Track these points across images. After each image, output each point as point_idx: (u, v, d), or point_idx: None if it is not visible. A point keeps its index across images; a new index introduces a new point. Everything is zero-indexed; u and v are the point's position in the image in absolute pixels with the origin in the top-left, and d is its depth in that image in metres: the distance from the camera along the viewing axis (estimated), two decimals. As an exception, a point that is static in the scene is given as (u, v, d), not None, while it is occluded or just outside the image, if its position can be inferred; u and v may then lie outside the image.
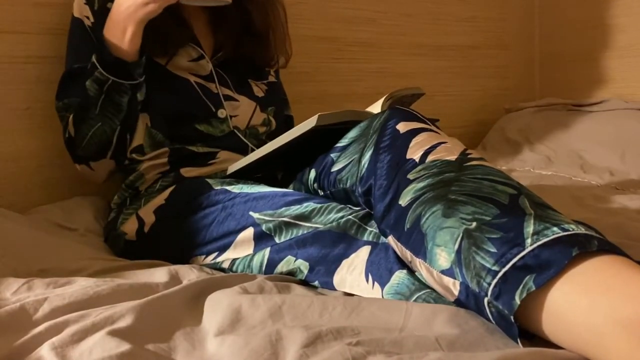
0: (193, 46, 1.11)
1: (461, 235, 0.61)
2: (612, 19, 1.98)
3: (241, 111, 1.13)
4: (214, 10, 1.14)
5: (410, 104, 1.11)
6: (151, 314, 0.64)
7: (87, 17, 1.09)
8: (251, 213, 0.87)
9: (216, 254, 0.90)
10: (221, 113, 1.10)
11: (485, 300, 0.58)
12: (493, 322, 0.59)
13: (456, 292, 0.61)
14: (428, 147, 0.73)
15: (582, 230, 0.58)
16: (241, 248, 0.87)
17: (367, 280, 0.73)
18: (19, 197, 1.18)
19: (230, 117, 1.11)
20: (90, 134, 1.02)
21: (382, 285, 0.71)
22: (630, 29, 1.94)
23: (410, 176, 0.70)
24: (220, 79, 1.13)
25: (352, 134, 0.86)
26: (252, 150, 1.09)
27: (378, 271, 0.72)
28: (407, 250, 0.68)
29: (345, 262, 0.76)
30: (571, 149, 1.74)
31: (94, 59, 0.99)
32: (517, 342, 0.56)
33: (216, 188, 0.95)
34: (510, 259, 0.56)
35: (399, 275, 0.70)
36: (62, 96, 1.07)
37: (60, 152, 1.12)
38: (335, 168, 0.86)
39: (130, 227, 1.01)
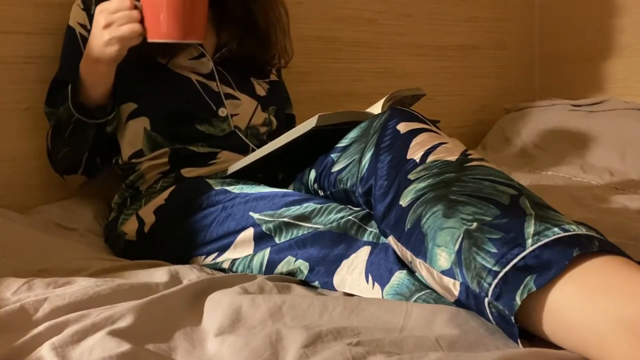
0: (194, 45, 1.11)
1: (462, 235, 0.61)
2: (612, 19, 1.98)
3: (242, 110, 1.13)
4: (217, 9, 1.14)
5: (411, 104, 1.11)
6: (151, 314, 0.64)
7: (83, 25, 1.09)
8: (251, 213, 0.87)
9: (216, 254, 0.90)
10: (222, 112, 1.10)
11: (486, 300, 0.58)
12: (493, 322, 0.59)
13: (456, 293, 0.61)
14: (428, 147, 0.73)
15: (582, 230, 0.58)
16: (241, 248, 0.87)
17: (367, 281, 0.73)
18: (19, 197, 1.18)
19: (231, 115, 1.11)
20: (61, 155, 1.08)
21: (382, 286, 0.71)
22: (630, 29, 1.94)
23: (411, 176, 0.70)
24: (222, 78, 1.13)
25: (353, 134, 0.86)
26: (254, 150, 1.09)
27: (378, 271, 0.72)
28: (407, 251, 0.68)
29: (345, 263, 0.76)
30: (571, 149, 1.74)
31: (69, 88, 1.00)
32: (517, 343, 0.56)
33: (216, 188, 0.94)
34: (511, 260, 0.56)
35: (399, 276, 0.70)
36: (48, 103, 1.12)
37: (60, 152, 1.12)
38: (335, 168, 0.86)
39: (130, 227, 1.01)
